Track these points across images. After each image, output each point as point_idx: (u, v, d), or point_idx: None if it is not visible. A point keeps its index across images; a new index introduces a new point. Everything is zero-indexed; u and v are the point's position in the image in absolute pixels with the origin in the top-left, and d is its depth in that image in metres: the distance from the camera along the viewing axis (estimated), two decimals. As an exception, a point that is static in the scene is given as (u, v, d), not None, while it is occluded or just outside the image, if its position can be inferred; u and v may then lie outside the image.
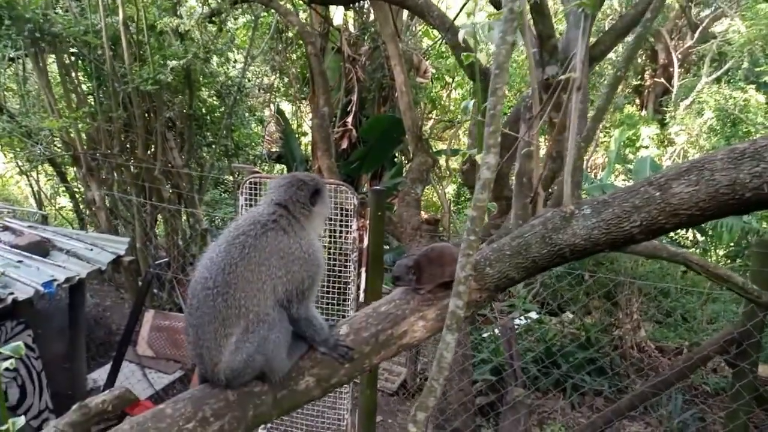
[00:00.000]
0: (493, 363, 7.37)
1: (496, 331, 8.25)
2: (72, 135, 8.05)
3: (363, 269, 6.07)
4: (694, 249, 12.05)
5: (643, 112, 18.71)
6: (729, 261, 11.68)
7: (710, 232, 10.72)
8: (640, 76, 19.53)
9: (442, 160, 10.26)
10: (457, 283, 1.62)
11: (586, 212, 1.99)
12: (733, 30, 15.17)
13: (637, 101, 19.79)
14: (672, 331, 9.60)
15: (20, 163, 10.16)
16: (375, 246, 4.94)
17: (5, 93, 8.86)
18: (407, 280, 2.29)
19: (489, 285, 2.16)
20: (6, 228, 6.02)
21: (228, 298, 2.16)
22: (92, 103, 8.36)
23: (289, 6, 8.43)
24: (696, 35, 17.79)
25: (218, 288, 2.17)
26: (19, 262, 5.15)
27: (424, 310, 2.22)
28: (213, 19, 8.61)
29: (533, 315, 8.84)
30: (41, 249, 5.63)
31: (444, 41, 6.32)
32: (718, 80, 15.54)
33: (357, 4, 10.05)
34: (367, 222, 5.51)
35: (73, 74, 8.23)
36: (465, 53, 2.21)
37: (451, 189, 15.47)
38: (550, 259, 2.05)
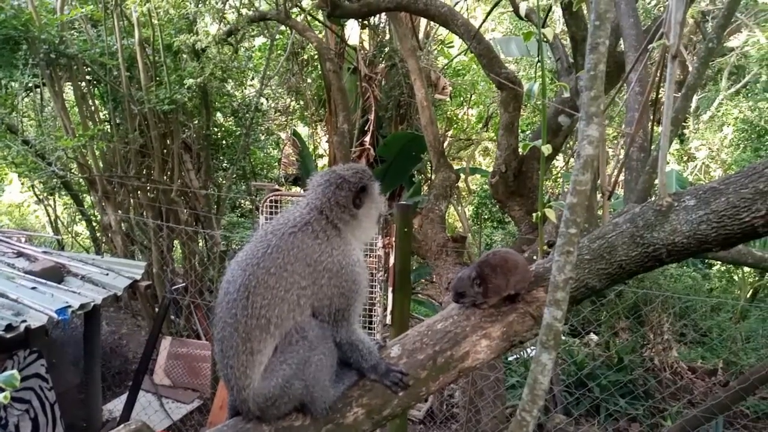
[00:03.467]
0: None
1: (527, 352, 7.89)
2: (87, 158, 7.92)
3: (390, 289, 5.79)
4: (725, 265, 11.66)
5: (660, 128, 18.40)
6: (757, 278, 11.29)
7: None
8: (656, 92, 19.28)
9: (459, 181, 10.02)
10: (553, 288, 1.35)
11: (689, 204, 1.69)
12: (752, 41, 14.93)
13: (652, 117, 19.50)
14: (707, 351, 9.18)
15: (37, 191, 10.07)
16: (402, 264, 4.70)
17: (23, 120, 8.79)
18: (473, 293, 1.99)
19: (563, 297, 1.86)
20: (20, 254, 5.82)
21: (248, 305, 1.87)
22: (108, 126, 8.26)
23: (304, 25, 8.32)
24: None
25: (238, 293, 1.89)
26: (33, 288, 4.93)
27: (487, 328, 1.93)
28: (229, 40, 8.52)
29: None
30: (56, 275, 5.41)
31: (468, 50, 6.12)
32: (737, 93, 15.28)
33: (373, 22, 9.95)
34: (393, 239, 5.26)
35: (90, 100, 8.14)
36: (526, 31, 1.96)
37: (468, 210, 15.21)
38: (642, 263, 1.75)
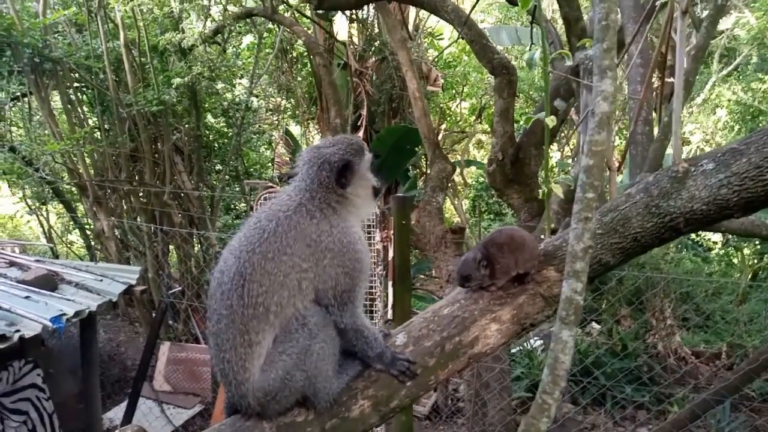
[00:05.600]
0: (531, 378, 6.94)
1: (530, 343, 7.81)
2: (77, 162, 7.80)
3: (390, 283, 5.70)
4: (724, 248, 11.67)
5: (653, 114, 18.36)
6: (756, 260, 11.30)
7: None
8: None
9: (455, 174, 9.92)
10: (572, 259, 1.25)
11: (708, 168, 1.58)
12: (742, 23, 14.90)
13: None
14: (710, 335, 9.13)
15: (30, 202, 9.95)
16: (401, 257, 4.62)
17: (11, 129, 8.65)
18: (479, 276, 1.88)
19: (576, 274, 1.75)
20: (12, 263, 5.71)
21: (243, 293, 1.76)
22: (98, 131, 8.14)
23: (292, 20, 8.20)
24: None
25: (233, 282, 1.78)
26: (26, 297, 4.82)
27: (496, 311, 1.83)
28: (215, 39, 8.40)
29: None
30: (49, 283, 5.31)
31: (459, 39, 6.03)
32: (728, 76, 15.25)
33: (362, 15, 9.85)
34: (391, 233, 5.17)
35: (78, 107, 8.02)
36: (523, -1, 1.86)
37: (464, 204, 15.13)
38: (658, 234, 1.65)
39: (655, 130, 3.36)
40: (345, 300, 1.85)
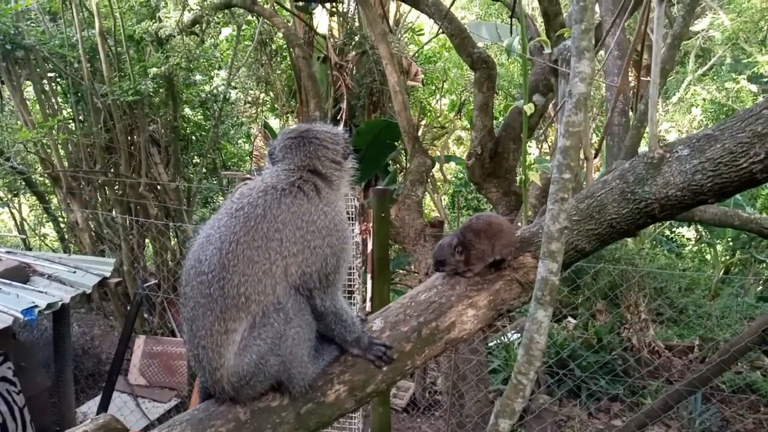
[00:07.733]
0: (508, 371, 6.99)
1: (508, 337, 7.88)
2: (50, 153, 7.65)
3: (368, 276, 5.69)
4: (698, 245, 11.88)
5: (629, 113, 18.61)
6: (728, 257, 11.53)
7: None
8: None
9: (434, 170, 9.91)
10: (548, 239, 1.26)
11: (683, 154, 1.60)
12: (717, 24, 15.16)
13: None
14: (683, 329, 9.30)
15: (1, 193, 9.74)
16: (380, 250, 4.64)
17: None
18: (454, 262, 1.90)
19: (552, 260, 1.76)
20: (-19, 255, 5.58)
21: (225, 284, 1.73)
22: (72, 121, 7.99)
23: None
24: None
25: (213, 272, 1.75)
26: (-4, 289, 4.71)
27: (473, 296, 1.84)
28: (194, 29, 8.28)
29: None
30: (21, 275, 5.20)
31: (439, 33, 6.03)
32: (703, 75, 15.52)
33: (342, 9, 9.80)
34: (370, 225, 5.18)
35: (52, 97, 7.85)
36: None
37: (443, 200, 15.16)
38: (633, 220, 1.66)
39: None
40: (329, 282, 1.85)
